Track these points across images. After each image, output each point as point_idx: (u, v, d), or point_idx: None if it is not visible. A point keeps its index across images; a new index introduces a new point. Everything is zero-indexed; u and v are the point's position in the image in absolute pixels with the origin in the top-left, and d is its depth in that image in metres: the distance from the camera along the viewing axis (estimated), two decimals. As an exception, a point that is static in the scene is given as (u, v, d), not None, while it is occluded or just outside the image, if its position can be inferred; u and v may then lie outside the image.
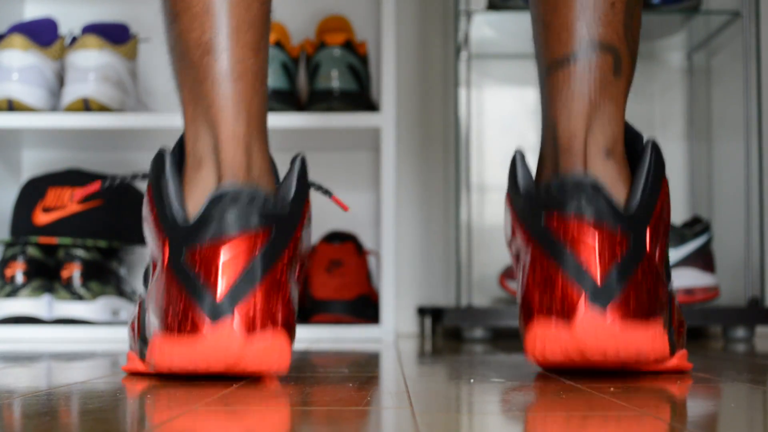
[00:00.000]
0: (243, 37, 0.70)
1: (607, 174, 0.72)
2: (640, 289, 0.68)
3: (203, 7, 0.70)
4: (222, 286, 0.65)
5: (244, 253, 0.66)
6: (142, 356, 0.73)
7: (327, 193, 0.77)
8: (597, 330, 0.67)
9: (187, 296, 0.66)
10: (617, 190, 0.72)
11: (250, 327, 0.65)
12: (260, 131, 0.71)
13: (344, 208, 0.80)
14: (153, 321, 0.68)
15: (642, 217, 0.70)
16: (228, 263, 0.66)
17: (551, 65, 0.74)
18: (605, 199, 0.69)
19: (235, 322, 0.65)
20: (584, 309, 0.67)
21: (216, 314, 0.65)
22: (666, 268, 0.74)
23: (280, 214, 0.68)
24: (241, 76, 0.70)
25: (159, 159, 0.71)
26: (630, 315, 0.67)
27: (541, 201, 0.71)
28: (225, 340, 0.65)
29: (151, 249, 0.70)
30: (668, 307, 0.71)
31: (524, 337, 0.71)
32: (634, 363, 0.70)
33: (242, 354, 0.65)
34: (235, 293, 0.65)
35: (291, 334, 0.68)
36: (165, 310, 0.67)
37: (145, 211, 0.71)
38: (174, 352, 0.65)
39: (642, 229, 0.70)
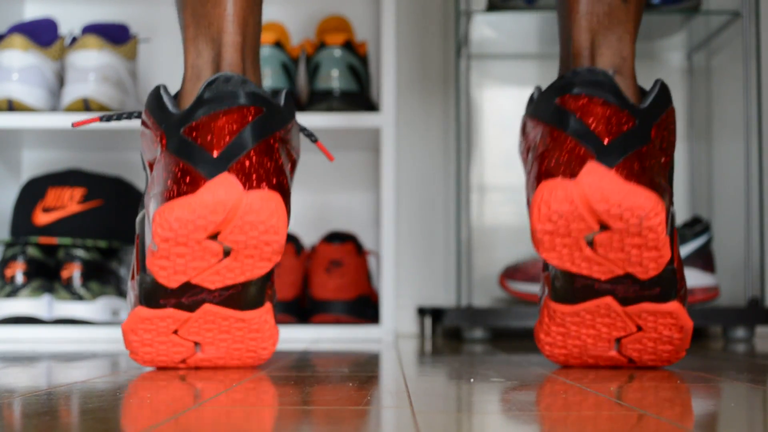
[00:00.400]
0: None
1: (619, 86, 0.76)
2: (643, 160, 0.71)
3: None
4: (217, 148, 0.69)
5: (237, 122, 0.71)
6: (141, 301, 0.75)
7: (312, 136, 0.82)
8: (602, 180, 0.69)
9: (184, 162, 0.70)
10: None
11: (246, 182, 0.69)
12: (253, 47, 0.79)
13: (330, 157, 0.86)
14: (153, 201, 0.71)
15: (649, 113, 0.74)
16: (222, 129, 0.70)
17: None
18: (615, 87, 0.73)
19: (233, 177, 0.69)
20: (591, 163, 0.70)
21: (213, 171, 0.69)
22: (670, 184, 0.76)
23: (272, 101, 0.73)
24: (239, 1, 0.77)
25: (155, 90, 0.76)
26: (634, 176, 0.70)
27: (554, 89, 0.75)
28: (223, 192, 0.68)
29: (148, 158, 0.74)
30: (667, 191, 0.74)
31: (531, 202, 0.73)
32: (633, 219, 0.70)
33: (240, 202, 0.69)
34: (230, 152, 0.70)
35: (286, 198, 0.72)
36: (164, 182, 0.70)
37: (143, 129, 0.75)
38: (175, 214, 0.69)
39: (648, 121, 0.73)
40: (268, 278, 0.78)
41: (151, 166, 0.75)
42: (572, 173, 0.70)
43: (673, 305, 0.75)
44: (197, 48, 0.78)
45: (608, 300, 0.76)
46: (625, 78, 0.77)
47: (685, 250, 1.44)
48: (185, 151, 0.70)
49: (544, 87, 0.80)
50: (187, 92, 0.77)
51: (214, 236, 0.72)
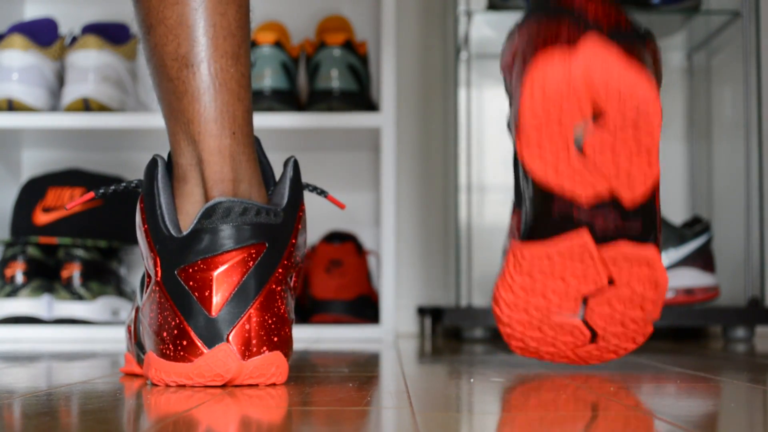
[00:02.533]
0: (221, 46, 0.68)
1: None
2: (643, 54, 0.68)
3: (177, 19, 0.68)
4: (216, 307, 0.64)
5: (237, 270, 0.64)
6: (139, 360, 0.72)
7: (322, 193, 0.75)
8: (605, 53, 0.65)
9: (180, 318, 0.64)
10: None
11: (246, 351, 0.64)
12: (246, 140, 0.69)
13: (341, 206, 0.78)
14: (147, 339, 0.67)
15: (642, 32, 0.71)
16: (221, 281, 0.64)
17: None
18: None
19: (231, 347, 0.64)
20: (593, 34, 0.66)
21: (211, 341, 0.64)
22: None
23: (273, 224, 0.66)
24: (222, 87, 0.68)
25: (151, 167, 0.69)
26: (636, 61, 0.66)
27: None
28: (221, 364, 0.64)
29: (144, 258, 0.69)
30: None
31: (522, 83, 0.68)
32: (631, 103, 0.67)
33: (239, 373, 0.65)
34: (230, 315, 0.64)
35: (287, 348, 0.67)
36: (158, 332, 0.65)
37: (138, 220, 0.69)
38: (171, 373, 0.65)
39: (643, 37, 0.70)
40: None
41: (148, 275, 0.69)
42: (572, 41, 0.65)
43: (651, 249, 0.72)
44: (179, 146, 0.69)
45: (584, 236, 0.72)
46: None
47: (685, 250, 1.44)
48: (181, 300, 0.64)
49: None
50: (178, 192, 0.69)
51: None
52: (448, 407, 0.57)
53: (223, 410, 0.53)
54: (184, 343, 0.64)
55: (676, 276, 1.43)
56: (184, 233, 0.65)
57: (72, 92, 1.44)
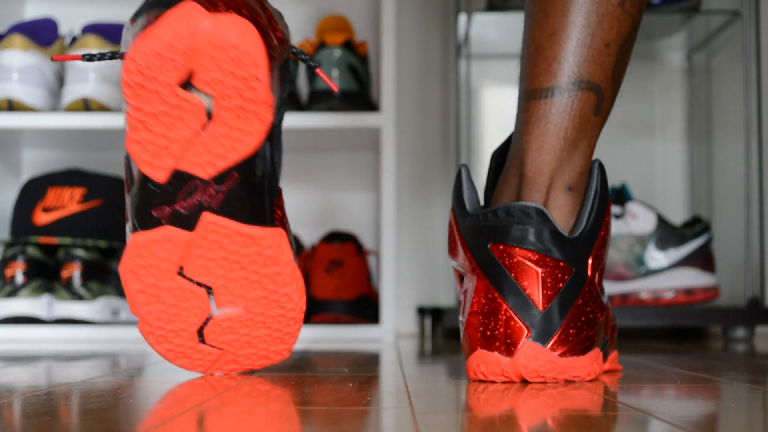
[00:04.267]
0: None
1: (566, 207, 0.71)
2: (579, 321, 0.69)
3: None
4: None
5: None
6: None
7: (311, 62, 0.73)
8: (537, 359, 0.68)
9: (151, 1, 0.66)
10: (571, 220, 0.72)
11: (211, 6, 0.63)
12: None
13: (333, 87, 0.75)
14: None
15: (585, 245, 0.70)
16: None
17: (534, 92, 0.74)
18: (551, 232, 0.69)
19: (193, 2, 0.64)
20: (527, 343, 0.68)
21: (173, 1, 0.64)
22: (600, 283, 0.74)
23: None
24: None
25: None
26: (569, 349, 0.68)
27: (486, 227, 0.70)
28: (186, 16, 0.63)
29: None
30: (603, 325, 0.72)
31: (466, 359, 0.71)
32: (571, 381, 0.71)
33: (203, 26, 0.63)
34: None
35: (263, 35, 0.66)
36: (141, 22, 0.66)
37: None
38: (140, 49, 0.64)
39: (584, 258, 0.70)
40: (272, 193, 0.71)
41: None
42: (508, 352, 0.68)
43: (606, 366, 0.76)
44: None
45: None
46: (577, 194, 0.72)
47: (685, 250, 1.44)
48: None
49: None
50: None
51: (187, 84, 0.66)
52: (448, 407, 0.57)
53: (223, 410, 0.53)
54: (154, 12, 0.65)
55: (676, 276, 1.43)
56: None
57: (72, 92, 1.44)
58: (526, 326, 0.68)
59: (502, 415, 0.53)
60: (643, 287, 1.43)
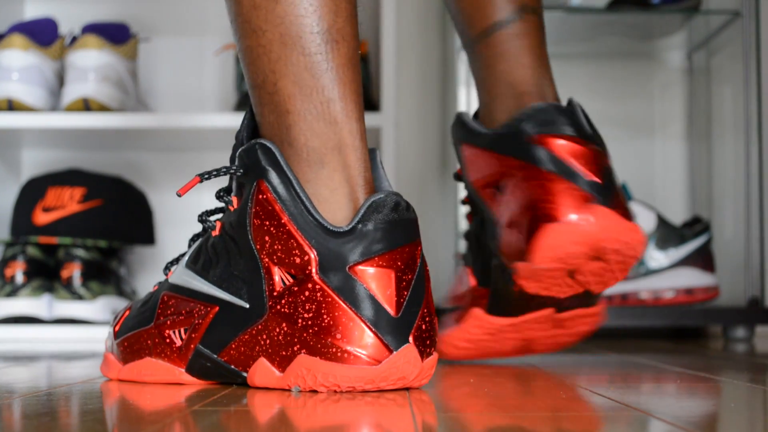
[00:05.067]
0: (356, 23, 0.69)
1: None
2: (620, 191, 0.77)
3: None
4: (398, 306, 0.60)
5: (411, 267, 0.62)
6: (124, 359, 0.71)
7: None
8: (610, 221, 0.75)
9: (359, 318, 0.60)
10: None
11: (423, 352, 0.62)
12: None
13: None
14: (290, 341, 0.61)
15: (602, 140, 0.80)
16: (400, 279, 0.61)
17: (489, 29, 0.82)
18: (588, 123, 0.78)
19: (413, 349, 0.61)
20: (599, 208, 0.75)
21: (397, 342, 0.60)
22: None
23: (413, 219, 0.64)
24: (356, 67, 0.65)
25: (267, 152, 0.63)
26: (627, 213, 0.76)
27: (521, 126, 0.78)
28: (408, 367, 0.61)
29: (274, 253, 0.62)
30: None
31: (535, 237, 0.76)
32: (629, 252, 0.77)
33: (417, 375, 0.62)
34: (409, 315, 0.61)
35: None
36: (327, 333, 0.60)
37: (263, 211, 0.62)
38: (348, 377, 0.60)
39: (606, 148, 0.79)
40: None
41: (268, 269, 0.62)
42: (585, 218, 0.75)
43: (598, 308, 0.85)
44: (310, 126, 0.64)
45: (549, 311, 0.83)
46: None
47: (685, 250, 1.44)
48: (355, 299, 0.61)
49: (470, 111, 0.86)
50: (305, 178, 0.64)
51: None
52: (449, 407, 0.57)
53: (222, 410, 0.53)
54: (368, 344, 0.60)
55: (676, 276, 1.43)
56: (350, 226, 0.61)
57: (72, 92, 1.44)
58: (592, 194, 0.76)
59: (501, 415, 0.53)
60: (643, 287, 1.43)
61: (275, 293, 0.62)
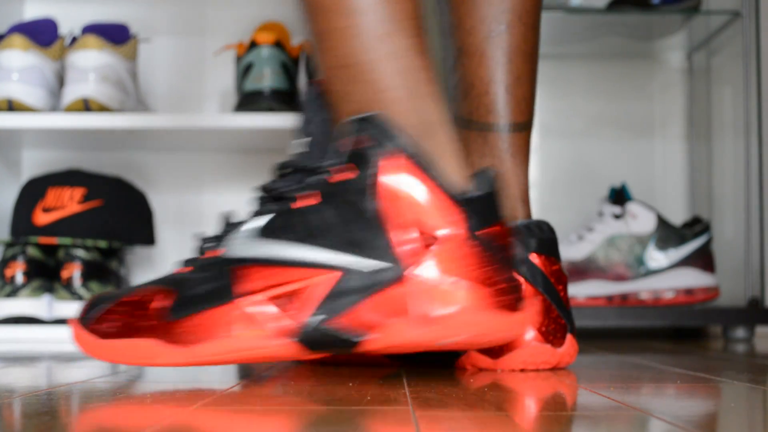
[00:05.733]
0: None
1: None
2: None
3: None
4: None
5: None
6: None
7: None
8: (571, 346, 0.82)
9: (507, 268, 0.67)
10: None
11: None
12: None
13: None
14: (458, 288, 0.64)
15: None
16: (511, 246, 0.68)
17: (519, 124, 0.89)
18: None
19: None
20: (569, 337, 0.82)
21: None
22: None
23: None
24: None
25: (383, 127, 0.66)
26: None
27: (526, 243, 0.82)
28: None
29: (400, 213, 0.64)
30: None
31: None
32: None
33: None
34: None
35: None
36: (488, 279, 0.65)
37: (409, 181, 0.65)
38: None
39: None
40: None
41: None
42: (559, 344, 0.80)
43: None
44: (425, 101, 0.73)
45: None
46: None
47: (685, 250, 1.44)
48: (498, 256, 0.69)
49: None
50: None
51: None
52: (448, 407, 0.57)
53: (222, 410, 0.54)
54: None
55: (676, 276, 1.43)
56: (483, 193, 0.66)
57: (72, 92, 1.44)
58: (567, 325, 0.83)
59: (501, 414, 0.53)
60: (643, 287, 1.43)
61: (412, 253, 0.63)
